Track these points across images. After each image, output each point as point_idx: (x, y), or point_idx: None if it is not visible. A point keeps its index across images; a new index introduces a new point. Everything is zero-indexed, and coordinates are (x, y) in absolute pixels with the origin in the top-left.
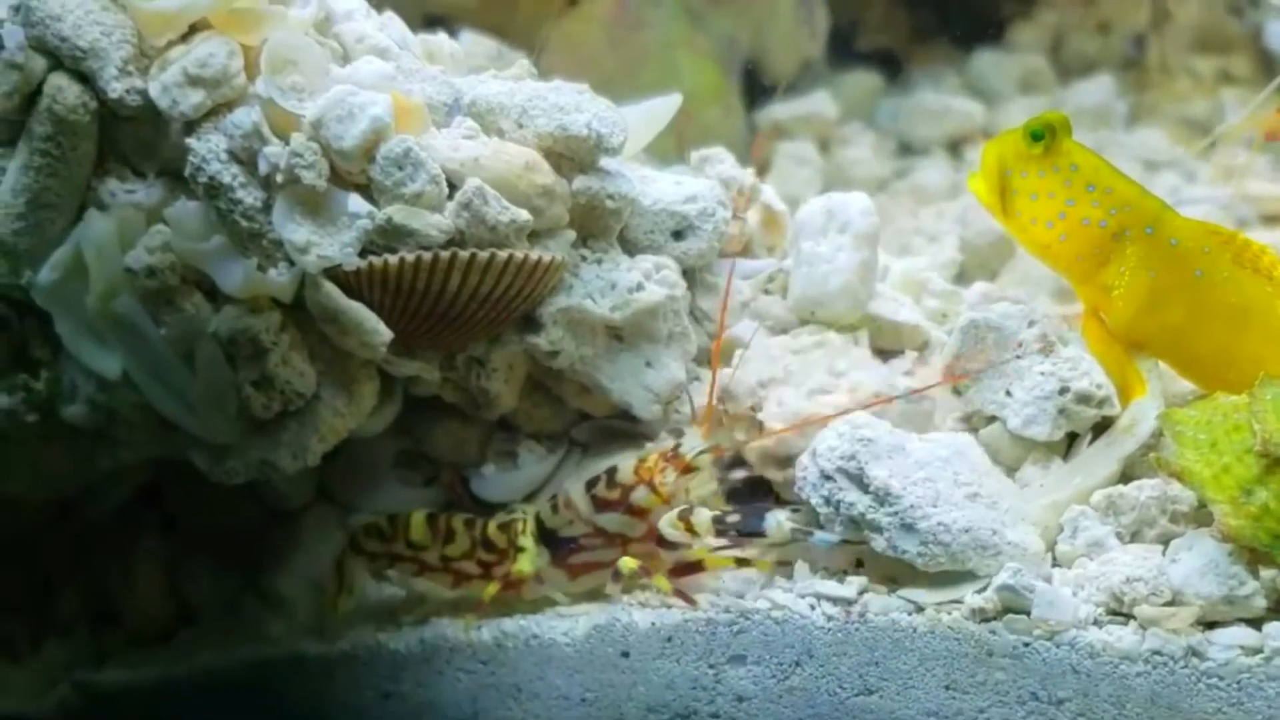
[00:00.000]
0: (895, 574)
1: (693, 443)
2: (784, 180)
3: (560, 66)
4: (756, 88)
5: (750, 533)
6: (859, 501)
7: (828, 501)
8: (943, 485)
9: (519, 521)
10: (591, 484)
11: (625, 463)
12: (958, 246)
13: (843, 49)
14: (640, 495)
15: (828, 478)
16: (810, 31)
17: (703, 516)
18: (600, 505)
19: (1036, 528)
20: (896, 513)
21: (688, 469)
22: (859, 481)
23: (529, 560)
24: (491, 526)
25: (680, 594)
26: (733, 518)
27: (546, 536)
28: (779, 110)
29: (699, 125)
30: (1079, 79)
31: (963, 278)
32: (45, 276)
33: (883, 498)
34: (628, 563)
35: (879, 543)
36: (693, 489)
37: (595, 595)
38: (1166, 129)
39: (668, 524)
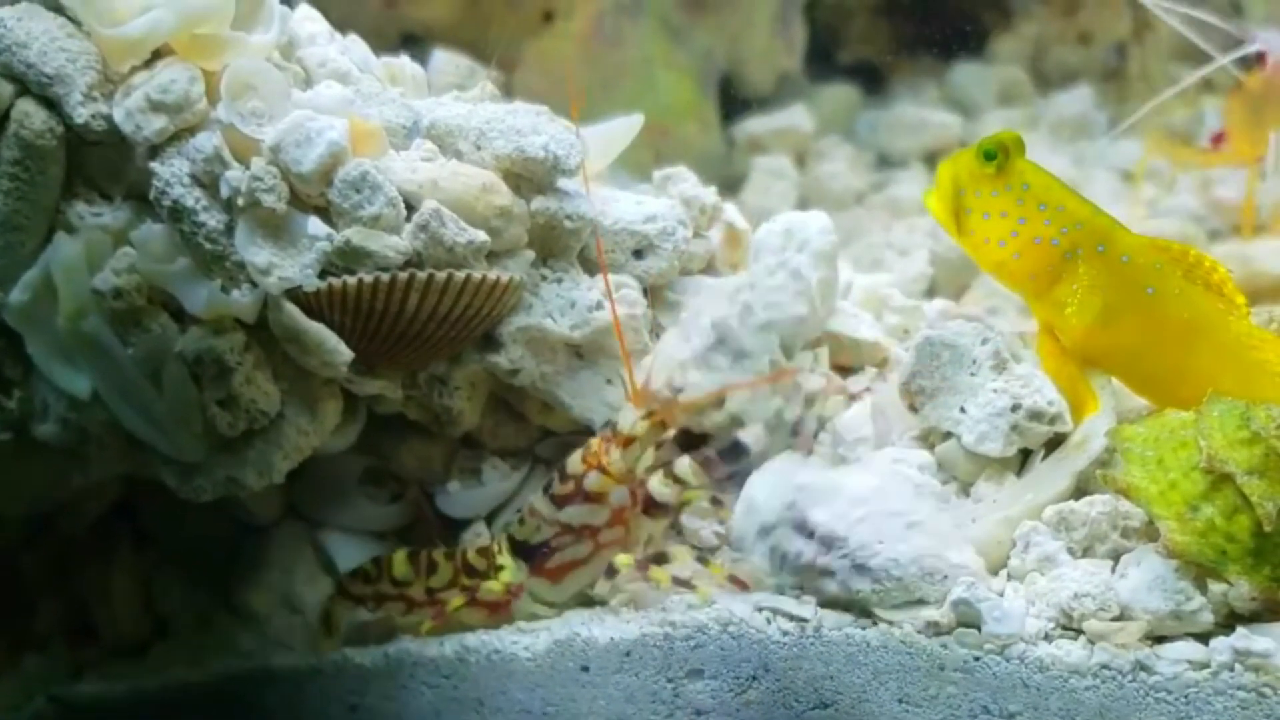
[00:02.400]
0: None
1: (628, 417)
2: (759, 194)
3: (536, 83)
4: (734, 102)
5: (732, 454)
6: (805, 549)
7: (773, 553)
8: (882, 520)
9: (495, 542)
10: (547, 486)
11: (572, 456)
12: (928, 260)
13: (824, 62)
14: (592, 480)
15: (768, 530)
16: (787, 45)
17: (683, 464)
18: (559, 501)
19: (980, 544)
20: (845, 555)
21: (629, 441)
22: (802, 528)
23: (510, 574)
24: (471, 552)
25: (680, 584)
26: (709, 451)
27: (520, 549)
28: (756, 124)
29: (675, 141)
30: (1059, 90)
31: (933, 292)
32: (15, 298)
33: (829, 543)
34: (623, 560)
35: (831, 586)
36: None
37: (583, 599)
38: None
39: (658, 485)
